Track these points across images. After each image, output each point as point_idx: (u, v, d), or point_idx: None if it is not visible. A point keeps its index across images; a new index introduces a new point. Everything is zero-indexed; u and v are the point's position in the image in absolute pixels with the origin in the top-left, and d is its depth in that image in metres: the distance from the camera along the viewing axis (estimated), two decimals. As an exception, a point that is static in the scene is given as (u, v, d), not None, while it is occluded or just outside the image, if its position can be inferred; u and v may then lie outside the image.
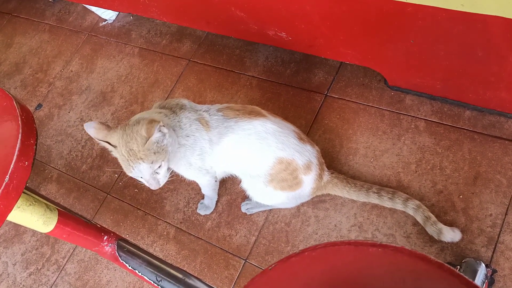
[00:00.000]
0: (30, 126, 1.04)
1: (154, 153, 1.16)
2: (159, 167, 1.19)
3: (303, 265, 0.67)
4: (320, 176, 1.37)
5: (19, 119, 1.03)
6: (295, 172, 1.31)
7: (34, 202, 1.17)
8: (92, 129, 1.20)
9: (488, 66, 1.22)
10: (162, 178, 1.22)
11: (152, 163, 1.17)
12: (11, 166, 0.96)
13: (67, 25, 2.45)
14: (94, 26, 2.36)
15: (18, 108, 1.06)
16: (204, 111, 1.30)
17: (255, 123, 1.28)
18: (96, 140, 1.22)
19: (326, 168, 1.41)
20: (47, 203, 1.21)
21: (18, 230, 1.88)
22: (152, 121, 1.16)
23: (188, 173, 1.39)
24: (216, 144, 1.30)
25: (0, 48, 2.56)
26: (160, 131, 1.16)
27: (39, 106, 2.20)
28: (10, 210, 0.99)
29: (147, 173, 1.18)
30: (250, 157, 1.32)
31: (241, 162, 1.36)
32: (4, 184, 0.94)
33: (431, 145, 1.47)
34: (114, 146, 1.20)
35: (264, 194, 1.39)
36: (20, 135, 1.00)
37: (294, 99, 1.73)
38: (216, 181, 1.47)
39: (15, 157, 0.97)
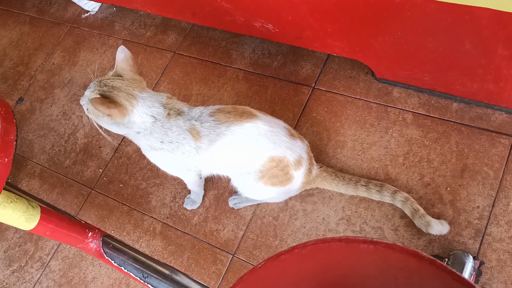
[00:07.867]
0: (9, 122, 1.01)
1: (95, 108, 1.20)
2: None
3: (293, 263, 0.66)
4: (309, 171, 1.36)
5: (-2, 114, 1.00)
6: (286, 168, 1.30)
7: (15, 199, 1.14)
8: (122, 55, 1.26)
9: (476, 58, 1.22)
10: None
11: (86, 104, 1.24)
12: (-10, 163, 0.93)
13: (49, 17, 2.39)
14: (76, 18, 2.31)
15: (-4, 103, 1.02)
16: (196, 120, 1.28)
17: (246, 125, 1.26)
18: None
19: (315, 162, 1.40)
20: (29, 199, 1.18)
21: (0, 227, 1.84)
22: (119, 109, 1.19)
23: (169, 171, 1.40)
24: (205, 150, 1.28)
25: (-21, 40, 2.49)
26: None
27: (20, 100, 2.15)
28: (-10, 208, 0.96)
29: (83, 101, 1.26)
30: (241, 159, 1.31)
31: (231, 163, 1.34)
32: (-17, 181, 0.91)
33: (418, 138, 1.46)
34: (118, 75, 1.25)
35: (254, 190, 1.37)
36: (-1, 131, 0.96)
37: (282, 91, 1.71)
38: (200, 178, 1.45)
39: (-6, 153, 0.94)
